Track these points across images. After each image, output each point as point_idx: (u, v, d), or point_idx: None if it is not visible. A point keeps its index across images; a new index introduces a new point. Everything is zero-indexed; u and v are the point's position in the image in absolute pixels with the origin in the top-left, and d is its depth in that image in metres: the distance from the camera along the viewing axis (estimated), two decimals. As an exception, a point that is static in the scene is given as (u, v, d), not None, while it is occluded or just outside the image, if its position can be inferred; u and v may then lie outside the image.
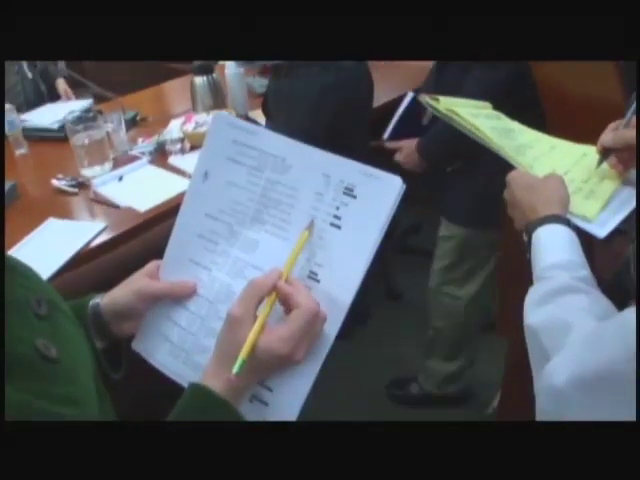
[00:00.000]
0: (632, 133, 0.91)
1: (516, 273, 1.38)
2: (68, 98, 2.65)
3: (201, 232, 0.75)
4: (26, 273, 0.65)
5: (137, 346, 0.79)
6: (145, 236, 1.62)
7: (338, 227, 0.68)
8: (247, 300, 0.64)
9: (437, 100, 1.03)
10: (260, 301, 0.65)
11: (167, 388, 0.75)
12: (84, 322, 0.74)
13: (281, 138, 0.72)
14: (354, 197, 0.68)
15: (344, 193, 0.68)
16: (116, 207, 1.70)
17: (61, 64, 2.77)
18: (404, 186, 0.66)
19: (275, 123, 1.90)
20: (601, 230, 0.89)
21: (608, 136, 0.94)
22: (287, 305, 0.66)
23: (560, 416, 0.64)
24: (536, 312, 0.75)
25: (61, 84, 2.71)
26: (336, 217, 0.68)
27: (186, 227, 0.77)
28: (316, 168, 0.70)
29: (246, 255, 0.72)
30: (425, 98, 1.03)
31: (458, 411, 2.10)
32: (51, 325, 0.61)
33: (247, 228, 0.73)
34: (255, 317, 0.64)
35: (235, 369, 0.61)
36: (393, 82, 2.44)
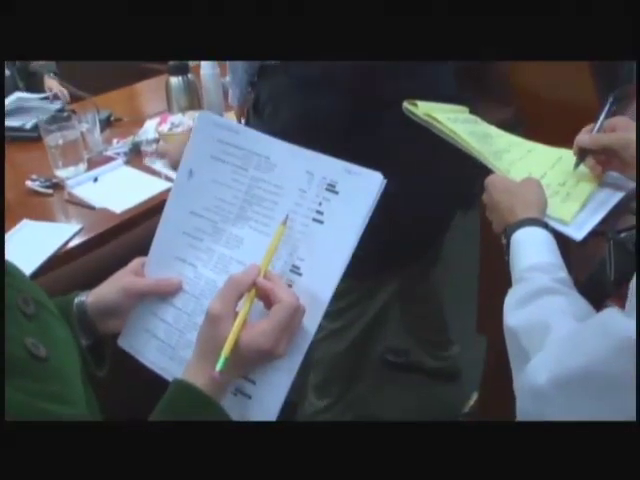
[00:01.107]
0: (608, 137, 0.93)
1: (495, 273, 1.42)
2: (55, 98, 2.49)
3: (186, 229, 0.77)
4: (11, 271, 0.66)
5: (123, 343, 0.79)
6: (122, 238, 1.61)
7: (321, 222, 0.70)
8: (226, 297, 0.65)
9: (415, 105, 1.04)
10: (240, 297, 0.66)
11: (151, 385, 0.76)
12: (69, 319, 0.75)
13: (265, 137, 0.74)
14: (336, 193, 0.70)
15: (326, 189, 0.70)
16: (91, 208, 1.68)
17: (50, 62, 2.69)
18: (385, 181, 0.68)
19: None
20: (578, 233, 0.91)
21: (585, 137, 0.96)
22: (267, 300, 0.67)
23: (541, 416, 0.65)
24: (515, 313, 0.76)
25: (51, 82, 2.61)
26: (319, 212, 0.70)
27: (171, 224, 0.78)
28: (299, 166, 0.71)
29: (231, 251, 0.74)
30: (404, 103, 1.05)
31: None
32: (39, 324, 0.61)
33: (231, 225, 0.74)
34: (235, 313, 0.65)
35: (218, 366, 0.62)
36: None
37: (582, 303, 0.75)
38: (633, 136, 0.87)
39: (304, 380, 1.81)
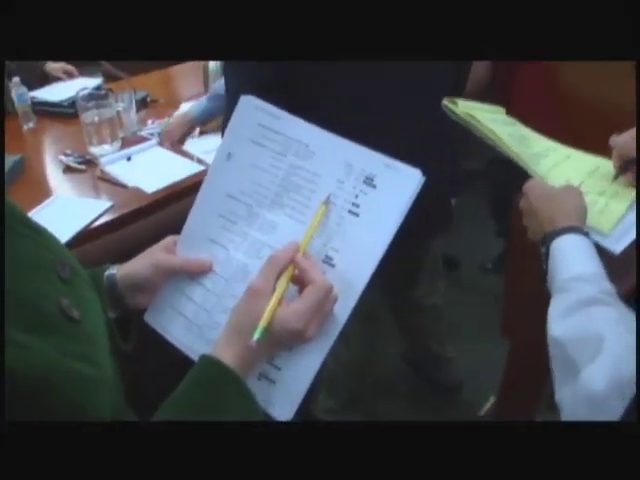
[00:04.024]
0: None
1: (523, 278, 1.40)
2: (70, 78, 2.48)
3: (221, 211, 0.77)
4: (48, 234, 0.66)
5: (150, 319, 0.80)
6: (152, 217, 1.62)
7: (356, 215, 0.70)
8: (267, 273, 0.66)
9: (455, 103, 1.03)
10: (279, 274, 0.67)
11: (175, 362, 0.76)
12: (98, 291, 0.75)
13: (306, 124, 0.74)
14: (374, 187, 0.69)
15: (364, 182, 0.70)
16: (123, 187, 1.70)
17: None
18: (423, 179, 0.68)
19: None
20: (616, 245, 0.89)
21: (620, 142, 0.94)
22: (301, 282, 0.67)
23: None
24: (561, 324, 0.75)
25: (56, 67, 2.48)
26: (355, 205, 0.70)
27: (206, 205, 0.78)
28: (339, 156, 0.71)
29: (264, 236, 0.74)
30: (444, 101, 1.04)
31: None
32: (73, 289, 0.62)
33: (267, 210, 0.74)
34: (274, 290, 0.65)
35: (256, 335, 0.62)
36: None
37: (629, 314, 0.74)
38: None
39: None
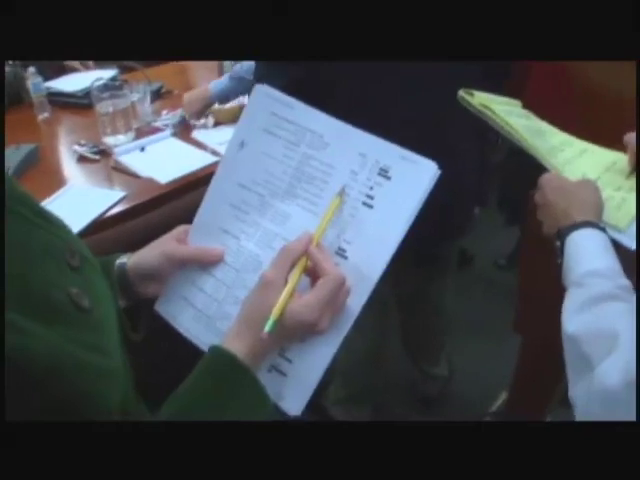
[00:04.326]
0: None
1: (537, 274, 1.38)
2: (86, 69, 2.47)
3: (233, 201, 0.76)
4: (59, 223, 0.66)
5: (160, 308, 0.80)
6: (165, 208, 1.62)
7: (370, 207, 0.69)
8: (279, 264, 0.65)
9: (472, 95, 1.02)
10: (292, 265, 0.66)
11: (182, 353, 0.76)
12: (109, 280, 0.75)
13: (320, 114, 0.73)
14: (388, 178, 0.68)
15: (379, 174, 0.69)
16: (137, 177, 1.70)
17: None
18: (439, 172, 0.67)
19: None
20: (633, 241, 0.87)
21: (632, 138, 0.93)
22: (314, 274, 0.67)
23: (609, 419, 0.65)
24: (576, 320, 0.74)
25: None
26: (369, 197, 0.69)
27: (218, 195, 0.77)
28: (353, 147, 0.70)
29: (276, 227, 0.73)
30: (460, 92, 1.02)
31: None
32: (83, 277, 0.62)
33: (279, 200, 0.74)
34: (286, 282, 0.65)
35: (267, 327, 0.62)
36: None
37: None
38: None
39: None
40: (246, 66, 1.82)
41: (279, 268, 0.65)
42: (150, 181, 1.68)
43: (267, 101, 0.75)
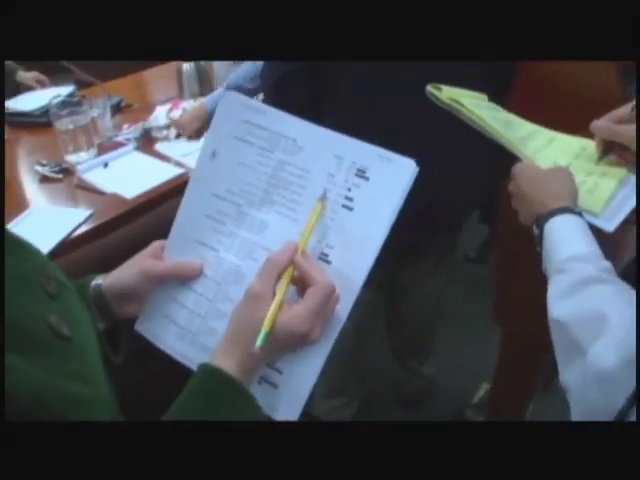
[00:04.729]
0: (618, 129, 0.90)
1: (514, 265, 1.39)
2: (43, 87, 2.43)
3: (208, 212, 0.74)
4: (30, 249, 0.64)
5: (141, 328, 0.77)
6: (134, 223, 1.59)
7: (350, 209, 0.68)
8: (266, 276, 0.64)
9: (439, 89, 1.01)
10: (279, 277, 0.64)
11: (167, 372, 0.74)
12: (86, 302, 0.73)
13: (292, 118, 0.72)
14: (366, 179, 0.67)
15: (356, 175, 0.68)
16: (102, 194, 1.67)
17: None
18: (417, 169, 0.66)
19: None
20: (609, 224, 0.88)
21: (598, 125, 0.94)
22: (302, 283, 0.65)
23: (610, 403, 0.64)
24: (562, 305, 0.74)
25: (27, 76, 2.43)
26: (348, 199, 0.68)
27: (192, 207, 0.76)
28: (328, 149, 0.69)
29: (254, 236, 0.72)
30: (428, 87, 1.02)
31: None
32: (61, 304, 0.59)
33: (256, 209, 0.72)
34: (274, 294, 0.63)
35: (259, 342, 0.60)
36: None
37: (628, 289, 0.73)
38: None
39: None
40: (242, 73, 1.79)
41: (265, 280, 0.63)
42: (115, 197, 1.65)
43: (237, 108, 0.73)
